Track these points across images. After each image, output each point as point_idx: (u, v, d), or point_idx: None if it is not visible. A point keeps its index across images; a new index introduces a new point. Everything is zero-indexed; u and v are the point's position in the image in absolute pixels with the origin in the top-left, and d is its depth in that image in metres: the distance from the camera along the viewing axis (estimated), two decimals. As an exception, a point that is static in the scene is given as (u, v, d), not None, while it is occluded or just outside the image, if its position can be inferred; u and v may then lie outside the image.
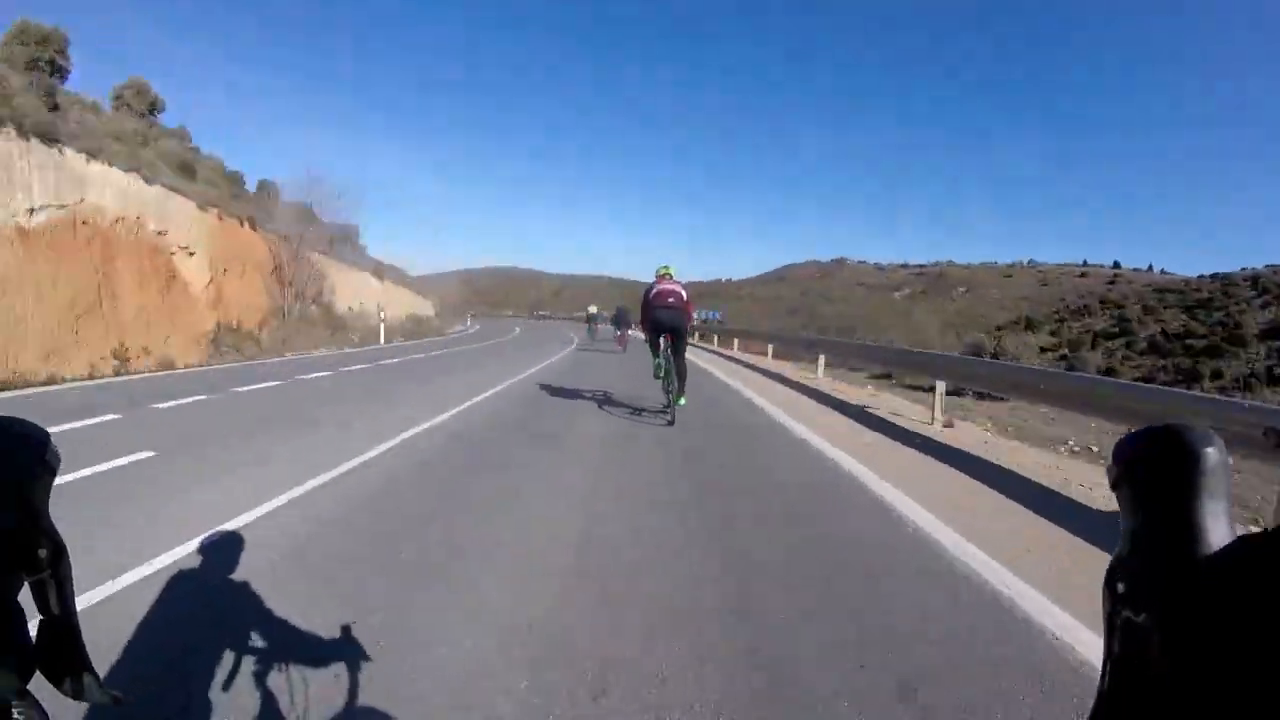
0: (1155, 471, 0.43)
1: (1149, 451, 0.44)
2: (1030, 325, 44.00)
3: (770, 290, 76.85)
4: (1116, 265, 67.22)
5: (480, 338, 26.80)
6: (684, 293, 7.14)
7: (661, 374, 7.23)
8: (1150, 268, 65.68)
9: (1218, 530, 0.40)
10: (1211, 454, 0.41)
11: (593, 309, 30.58)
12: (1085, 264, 70.45)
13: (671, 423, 6.80)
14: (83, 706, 0.60)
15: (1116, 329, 46.24)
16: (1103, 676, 0.45)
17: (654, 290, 7.20)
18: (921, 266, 72.77)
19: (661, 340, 7.13)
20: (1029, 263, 73.12)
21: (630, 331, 22.80)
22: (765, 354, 17.38)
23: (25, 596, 0.50)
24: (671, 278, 7.24)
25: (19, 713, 0.48)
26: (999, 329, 38.25)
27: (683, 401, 7.08)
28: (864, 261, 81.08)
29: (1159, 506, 0.42)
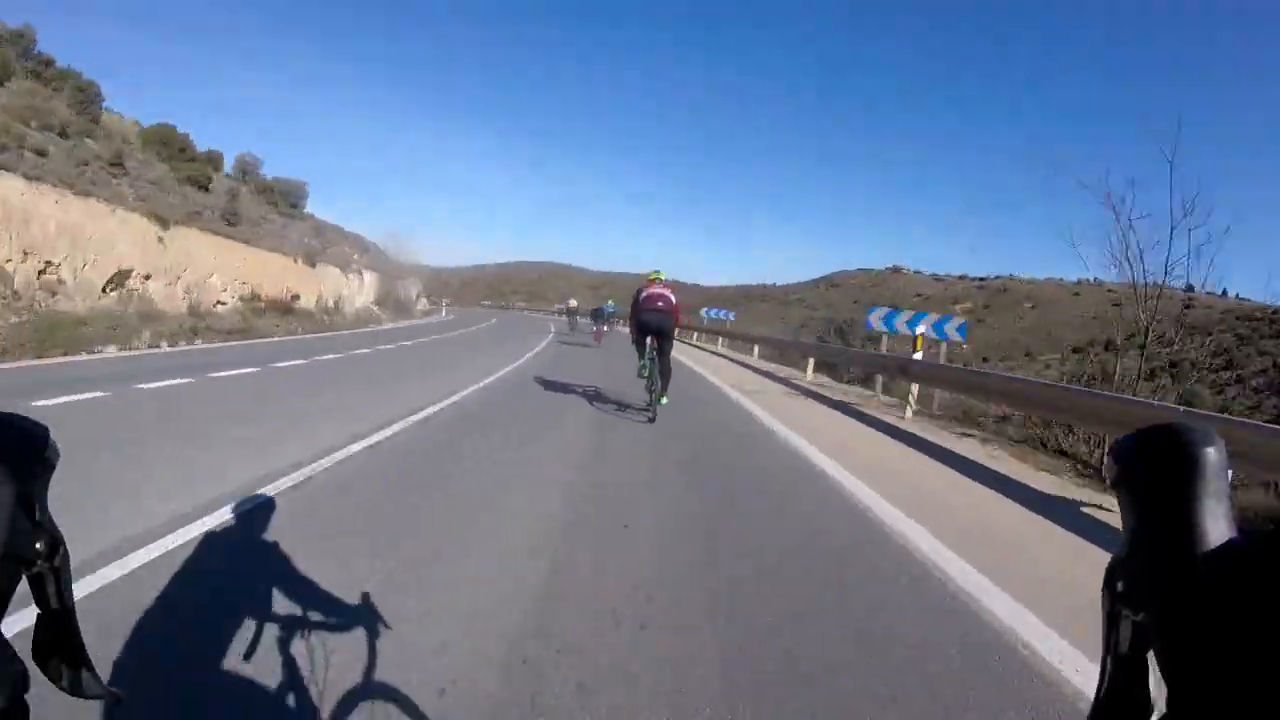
0: (1155, 471, 0.42)
1: (1149, 451, 0.43)
2: (1111, 347, 40.26)
3: (820, 296, 74.08)
4: (1190, 288, 61.26)
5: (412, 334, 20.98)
6: (672, 297, 7.33)
7: (646, 374, 7.39)
8: (1225, 292, 60.08)
9: (1218, 530, 0.39)
10: (1211, 454, 0.41)
11: (573, 302, 30.64)
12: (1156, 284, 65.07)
13: (653, 420, 6.94)
14: (82, 704, 0.54)
15: (1221, 361, 41.83)
16: (1102, 676, 0.45)
17: (643, 294, 7.36)
18: (982, 279, 68.64)
19: (648, 341, 7.27)
20: (1095, 280, 68.21)
21: (611, 328, 23.44)
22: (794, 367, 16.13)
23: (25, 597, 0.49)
24: (661, 282, 7.43)
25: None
26: (1076, 350, 35.22)
27: (665, 400, 7.25)
28: (920, 271, 77.13)
29: (1159, 506, 0.42)
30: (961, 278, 72.86)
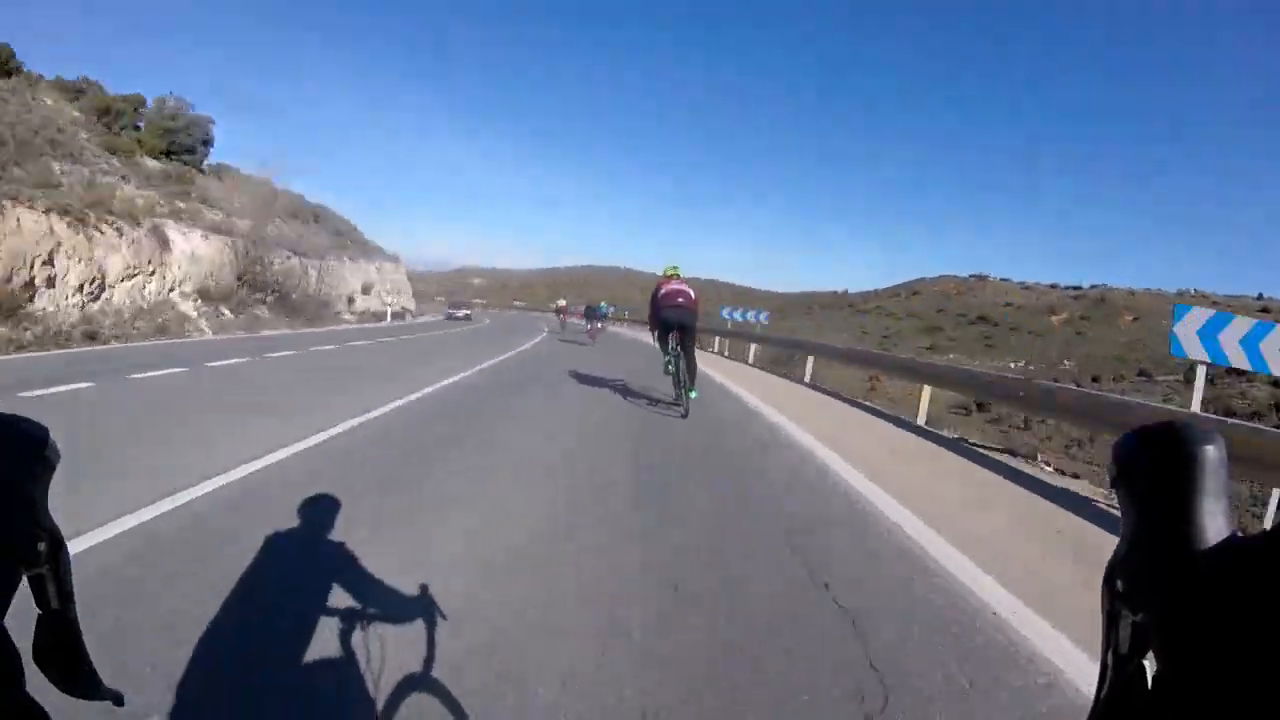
0: (1154, 470, 0.42)
1: (1149, 449, 0.43)
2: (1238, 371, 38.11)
3: (900, 304, 72.74)
4: (1330, 299, 57.03)
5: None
6: (691, 292, 7.37)
7: (672, 369, 7.41)
8: (1346, 310, 55.30)
9: (1217, 529, 0.39)
10: (1211, 452, 0.40)
11: (561, 301, 31.09)
12: (1262, 297, 60.72)
13: (685, 415, 7.02)
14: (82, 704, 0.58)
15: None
16: (1102, 676, 0.44)
17: (662, 290, 7.38)
18: (1077, 288, 65.73)
19: (671, 337, 7.29)
20: (1195, 291, 64.09)
21: (604, 325, 23.61)
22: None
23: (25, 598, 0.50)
24: (679, 278, 7.47)
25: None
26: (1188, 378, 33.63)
27: (694, 394, 7.20)
28: (1007, 279, 74.50)
29: (1158, 505, 0.41)
30: (1053, 286, 70.05)
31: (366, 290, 33.83)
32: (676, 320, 7.23)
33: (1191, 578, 0.38)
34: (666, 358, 7.51)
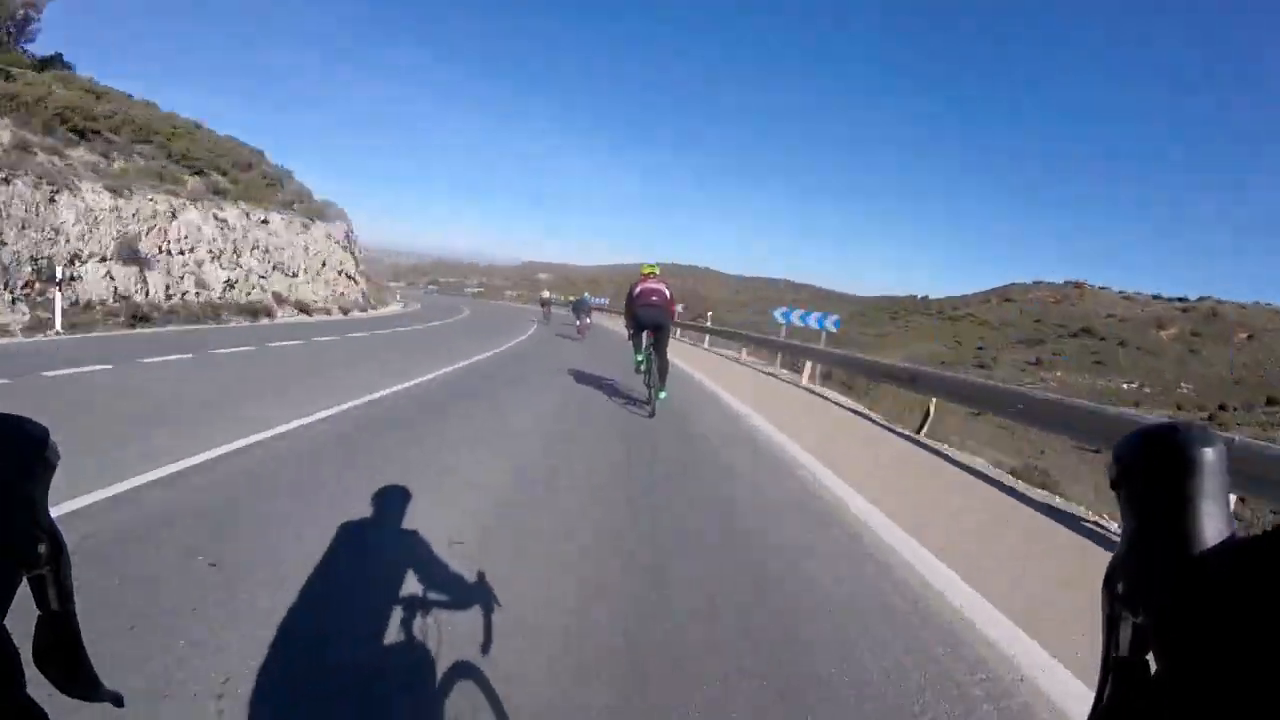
0: (1154, 471, 0.43)
1: (1148, 451, 0.44)
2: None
3: (992, 312, 71.67)
4: None
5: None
6: (667, 291, 7.45)
7: (643, 369, 7.49)
8: None
9: (1217, 530, 0.40)
10: (1210, 454, 0.41)
11: (545, 294, 31.96)
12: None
13: (652, 415, 7.03)
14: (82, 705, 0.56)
15: None
16: (1102, 677, 0.45)
17: (637, 289, 7.43)
18: (1183, 300, 63.31)
19: (644, 336, 7.37)
20: None
21: (591, 320, 22.92)
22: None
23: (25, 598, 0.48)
24: (656, 276, 7.48)
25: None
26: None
27: (664, 395, 7.27)
28: (1106, 288, 72.40)
29: (1157, 506, 0.42)
30: (1155, 298, 67.73)
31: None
32: (650, 320, 7.32)
33: (1191, 579, 0.39)
34: (639, 357, 7.60)
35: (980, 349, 59.75)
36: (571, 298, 30.62)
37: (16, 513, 0.47)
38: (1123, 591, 0.43)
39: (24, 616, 0.50)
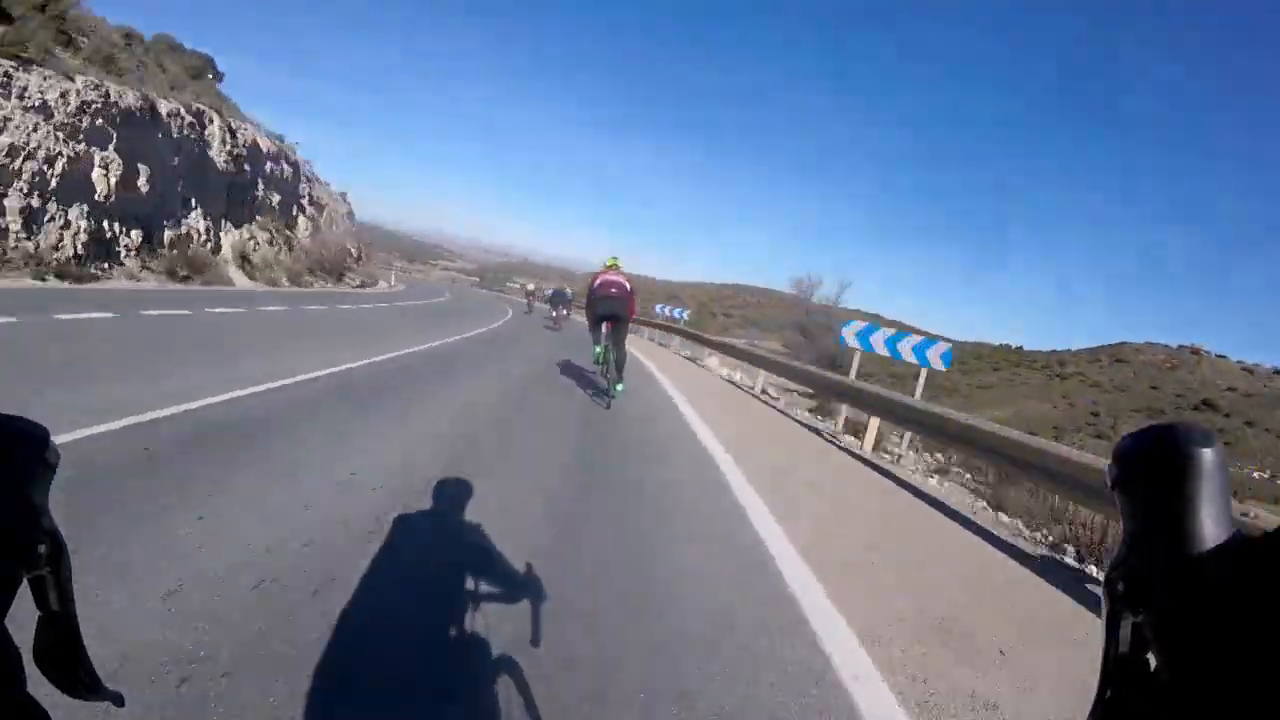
0: (1154, 471, 0.43)
1: (1148, 452, 0.44)
2: None
3: (1103, 373, 70.06)
4: None
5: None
6: (627, 284, 7.39)
7: (601, 361, 7.49)
8: None
9: (1216, 530, 0.40)
10: (1210, 454, 0.41)
11: (530, 285, 32.78)
12: None
13: (609, 407, 7.02)
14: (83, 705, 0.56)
15: None
16: (1102, 677, 0.45)
17: (598, 280, 7.45)
18: (1319, 374, 60.25)
19: (603, 328, 7.34)
20: None
21: (569, 312, 23.90)
22: None
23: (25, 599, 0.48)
24: (617, 269, 7.46)
25: None
26: None
27: (620, 388, 7.27)
28: (1224, 356, 69.88)
29: (1157, 506, 0.42)
30: (1277, 372, 65.04)
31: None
32: (608, 311, 7.28)
33: (1191, 579, 0.39)
34: (597, 350, 7.55)
35: (1095, 415, 58.26)
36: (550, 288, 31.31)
37: (17, 514, 0.47)
38: (1123, 590, 0.44)
39: (24, 618, 0.49)
